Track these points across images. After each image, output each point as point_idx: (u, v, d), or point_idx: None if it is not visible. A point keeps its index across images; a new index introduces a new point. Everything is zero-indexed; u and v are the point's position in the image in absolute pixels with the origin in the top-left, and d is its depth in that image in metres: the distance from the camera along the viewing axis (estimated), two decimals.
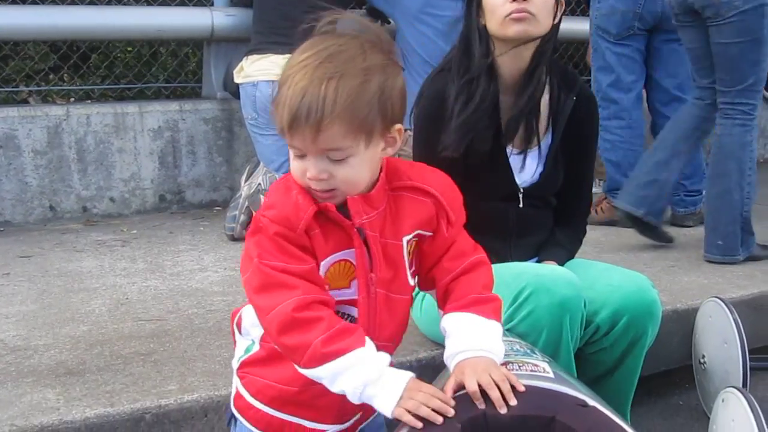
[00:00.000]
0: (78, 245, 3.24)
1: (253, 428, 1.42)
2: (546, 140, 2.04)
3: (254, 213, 3.12)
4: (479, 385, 1.20)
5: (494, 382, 1.20)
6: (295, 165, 1.22)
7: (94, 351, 2.08)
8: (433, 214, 1.32)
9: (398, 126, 1.24)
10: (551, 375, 1.31)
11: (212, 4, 4.08)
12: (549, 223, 2.15)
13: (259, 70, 3.55)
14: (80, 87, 4.20)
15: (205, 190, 3.96)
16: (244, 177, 3.35)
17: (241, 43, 3.95)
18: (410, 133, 3.62)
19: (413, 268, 1.38)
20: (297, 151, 1.20)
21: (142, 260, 3.00)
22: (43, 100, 4.11)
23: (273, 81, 3.46)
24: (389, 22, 4.23)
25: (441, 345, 2.07)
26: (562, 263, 2.00)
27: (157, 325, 2.28)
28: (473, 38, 1.95)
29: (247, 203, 3.22)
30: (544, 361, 1.40)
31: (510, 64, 1.94)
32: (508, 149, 1.99)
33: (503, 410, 1.17)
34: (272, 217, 1.24)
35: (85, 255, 3.08)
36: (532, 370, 1.31)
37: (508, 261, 1.98)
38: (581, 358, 1.96)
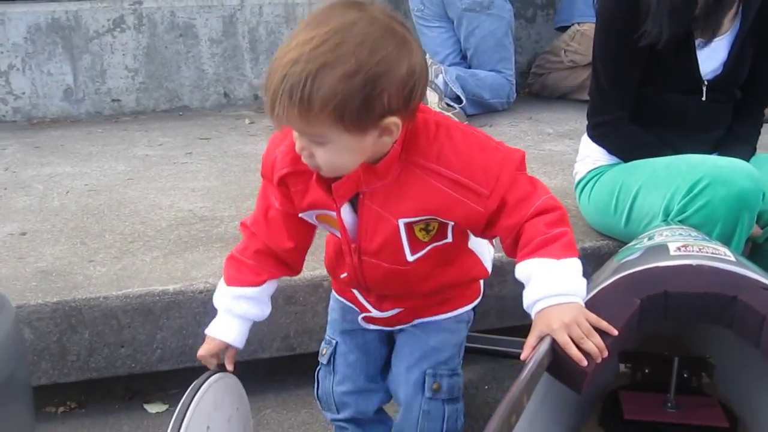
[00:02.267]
0: (251, 130, 3.41)
1: (333, 293, 1.52)
2: (734, 29, 1.96)
3: None
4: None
5: (584, 334, 1.15)
6: (293, 134, 1.18)
7: None
8: (452, 198, 1.20)
9: (391, 119, 1.11)
10: (733, 258, 1.30)
11: None
12: (729, 118, 2.08)
13: None
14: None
15: None
16: None
17: None
18: (585, 27, 3.56)
19: (445, 237, 1.29)
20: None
21: None
22: None
23: None
24: None
25: (607, 236, 2.10)
26: (745, 159, 1.94)
27: None
28: None
29: None
30: (723, 246, 1.40)
31: None
32: (696, 39, 1.93)
33: (599, 359, 1.14)
34: (262, 158, 1.33)
35: (259, 139, 3.24)
36: (713, 253, 1.31)
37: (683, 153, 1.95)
38: (754, 253, 1.93)
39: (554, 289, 1.18)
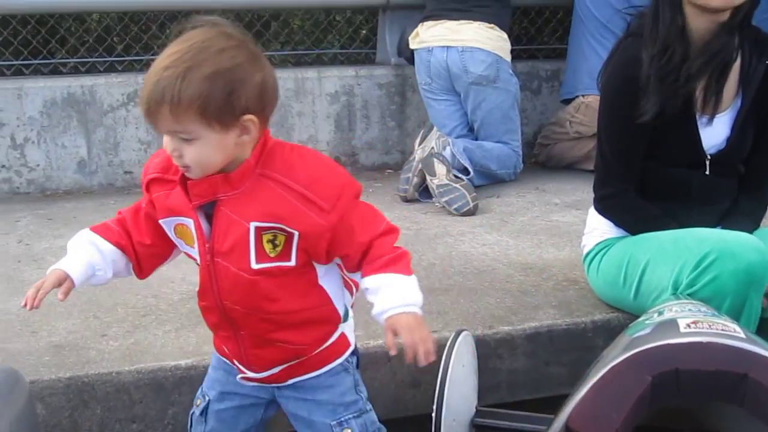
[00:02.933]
0: None
1: (214, 350, 1.59)
2: (735, 105, 2.01)
3: (427, 176, 3.25)
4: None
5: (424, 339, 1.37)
6: (164, 139, 1.33)
7: None
8: (298, 209, 1.33)
9: (249, 116, 1.29)
10: (742, 335, 1.32)
11: None
12: (734, 192, 2.11)
13: (434, 36, 3.63)
14: (265, 53, 4.41)
15: (377, 153, 4.10)
16: (417, 141, 3.45)
17: (415, 10, 4.03)
18: (590, 99, 3.63)
19: (287, 260, 1.39)
20: (156, 130, 1.34)
21: None
22: None
23: (448, 47, 3.56)
24: None
25: (616, 309, 2.11)
26: (748, 232, 1.96)
27: None
28: (665, 4, 1.93)
29: (420, 166, 3.32)
30: (733, 323, 1.41)
31: (703, 29, 1.92)
32: (697, 115, 1.97)
33: (430, 360, 1.37)
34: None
35: None
36: (722, 330, 1.32)
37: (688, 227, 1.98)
38: (763, 329, 1.93)
39: (403, 300, 1.38)
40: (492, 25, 3.59)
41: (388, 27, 4.17)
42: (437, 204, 3.24)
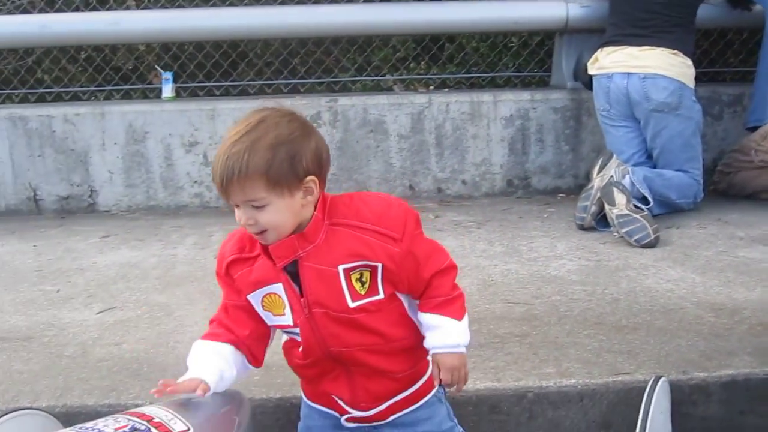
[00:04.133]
0: (437, 224, 3.53)
1: (306, 399, 1.70)
2: None
3: (606, 205, 3.22)
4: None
5: (461, 377, 1.58)
6: (236, 214, 1.45)
7: (473, 328, 2.29)
8: (374, 243, 1.46)
9: (310, 177, 1.43)
10: None
11: None
12: None
13: (615, 62, 3.60)
14: (438, 75, 4.51)
15: (550, 177, 4.10)
16: (596, 169, 3.43)
17: (593, 34, 4.01)
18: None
19: (376, 294, 1.51)
20: (229, 203, 1.44)
21: (498, 243, 3.21)
22: (405, 88, 4.49)
23: (629, 73, 3.52)
24: (750, 9, 4.07)
25: None
26: None
27: (525, 308, 2.45)
28: None
29: (599, 194, 3.30)
30: None
31: None
32: None
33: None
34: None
35: (446, 234, 3.35)
36: None
37: None
38: None
39: (451, 342, 1.55)
40: (675, 51, 3.51)
41: (565, 51, 4.17)
42: (615, 234, 3.21)
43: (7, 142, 3.96)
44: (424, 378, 1.64)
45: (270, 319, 1.57)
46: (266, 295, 1.53)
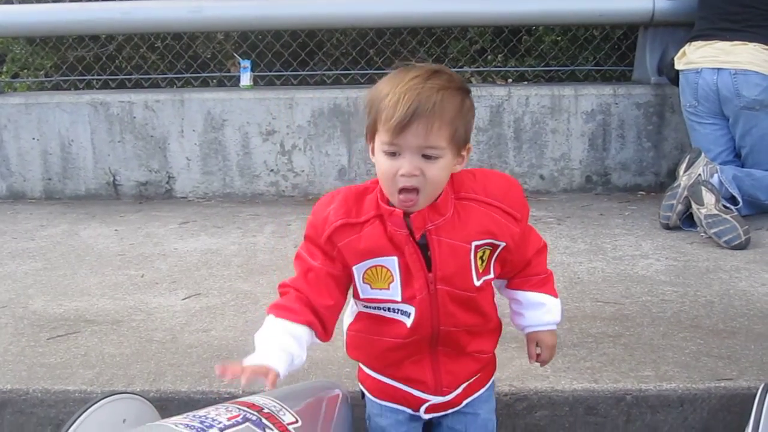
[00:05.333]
0: None
1: (375, 399, 1.60)
2: None
3: (693, 204, 3.13)
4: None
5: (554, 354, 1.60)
6: (387, 164, 1.33)
7: (564, 326, 2.25)
8: (502, 222, 1.42)
9: (469, 145, 1.39)
10: None
11: None
12: None
13: (704, 57, 3.49)
14: (517, 68, 4.45)
15: (630, 174, 4.01)
16: (683, 167, 3.33)
17: (678, 28, 3.92)
18: None
19: (489, 273, 1.47)
20: (394, 148, 1.31)
21: (581, 240, 3.14)
22: (483, 80, 4.44)
23: (719, 69, 3.41)
24: None
25: None
26: None
27: (615, 308, 2.39)
28: None
29: (686, 193, 3.21)
30: None
31: None
32: None
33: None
34: (308, 221, 1.47)
35: None
36: None
37: None
38: None
39: (552, 318, 1.57)
40: None
41: (649, 44, 4.07)
42: (702, 234, 3.12)
43: (89, 127, 4.02)
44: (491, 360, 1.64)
45: (365, 292, 1.45)
46: (372, 267, 1.42)
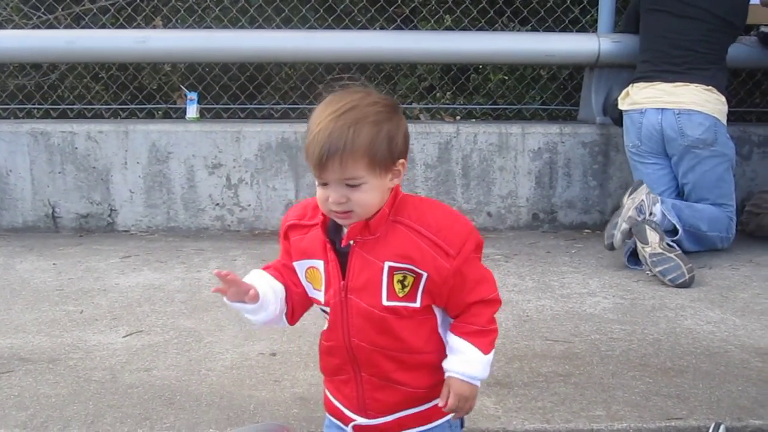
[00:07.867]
0: None
1: (327, 414, 1.65)
2: None
3: (638, 244, 3.16)
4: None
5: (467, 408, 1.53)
6: (320, 192, 1.42)
7: (515, 365, 2.23)
8: (427, 252, 1.43)
9: (402, 160, 1.44)
10: None
11: (595, 30, 4.15)
12: None
13: (648, 97, 3.56)
14: (465, 106, 4.48)
15: (576, 212, 4.04)
16: (627, 193, 3.37)
17: (623, 70, 3.99)
18: None
19: (413, 301, 1.47)
20: (321, 180, 1.41)
21: (529, 278, 3.14)
22: (431, 117, 4.45)
23: (663, 109, 3.49)
24: None
25: None
26: None
27: (565, 346, 2.39)
28: None
29: (630, 214, 3.24)
30: None
31: None
32: None
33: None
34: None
35: None
36: None
37: None
38: None
39: (471, 372, 1.50)
40: (710, 87, 3.48)
41: (594, 85, 4.14)
42: (648, 273, 3.15)
43: (28, 157, 3.91)
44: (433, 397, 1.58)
45: (310, 292, 1.55)
46: (309, 267, 1.53)
